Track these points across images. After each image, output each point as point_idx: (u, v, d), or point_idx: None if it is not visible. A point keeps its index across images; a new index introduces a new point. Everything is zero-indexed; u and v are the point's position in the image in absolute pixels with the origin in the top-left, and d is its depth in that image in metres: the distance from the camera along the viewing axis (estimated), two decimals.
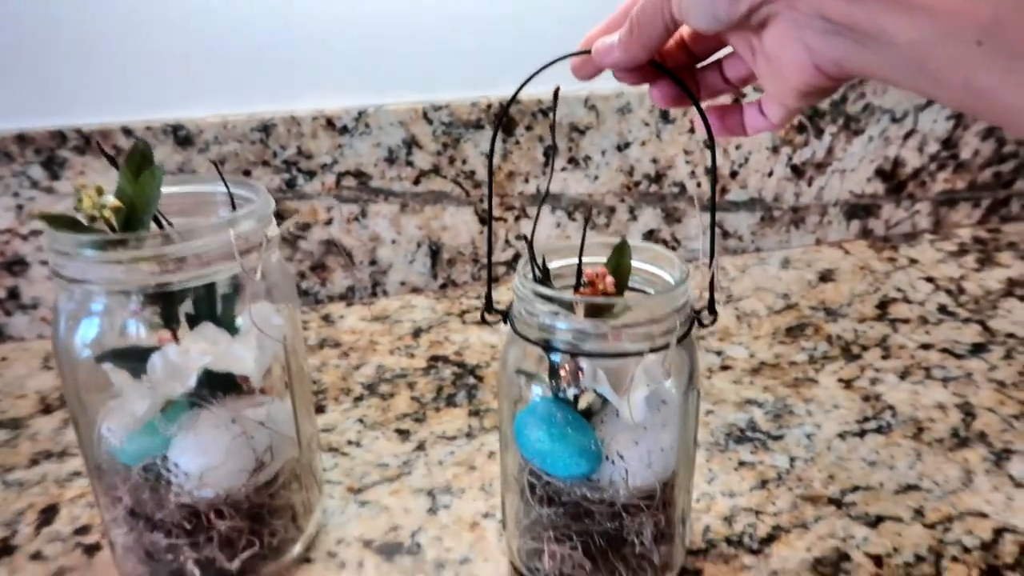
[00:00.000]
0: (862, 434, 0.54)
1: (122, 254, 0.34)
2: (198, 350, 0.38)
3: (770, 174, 0.83)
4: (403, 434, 0.55)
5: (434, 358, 0.65)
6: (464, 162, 0.74)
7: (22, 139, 0.64)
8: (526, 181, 0.76)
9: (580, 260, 0.39)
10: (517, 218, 0.78)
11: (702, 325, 0.38)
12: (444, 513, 0.47)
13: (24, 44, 0.63)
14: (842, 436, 0.54)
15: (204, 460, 0.39)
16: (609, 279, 0.38)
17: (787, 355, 0.64)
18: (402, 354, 0.66)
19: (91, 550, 0.45)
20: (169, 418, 0.39)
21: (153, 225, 0.39)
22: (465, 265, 0.79)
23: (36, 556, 0.45)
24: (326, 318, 0.73)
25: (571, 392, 0.38)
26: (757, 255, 0.85)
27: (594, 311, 0.37)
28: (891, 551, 0.43)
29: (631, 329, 0.35)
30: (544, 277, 0.39)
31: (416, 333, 0.70)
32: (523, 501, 0.41)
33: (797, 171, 0.84)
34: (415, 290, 0.78)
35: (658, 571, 0.40)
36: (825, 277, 0.79)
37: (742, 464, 0.51)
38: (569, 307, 0.37)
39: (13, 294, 0.69)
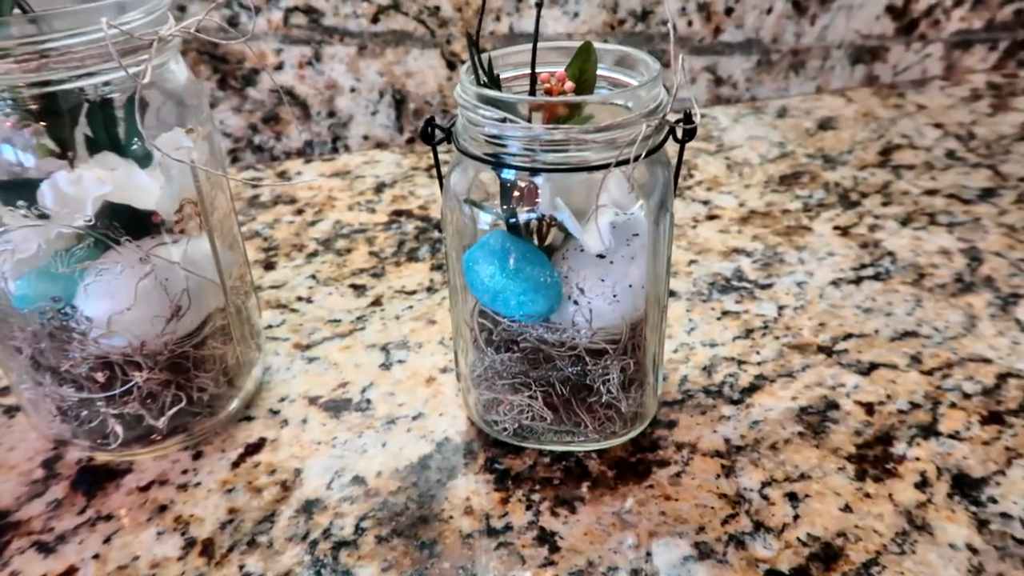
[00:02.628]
0: (858, 281, 0.49)
1: None
2: (93, 178, 0.33)
3: (769, 11, 0.75)
4: (358, 289, 0.51)
5: (396, 212, 0.60)
6: None
7: None
8: (497, 19, 0.69)
9: (534, 54, 0.33)
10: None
11: (678, 140, 0.33)
12: (398, 368, 0.43)
13: None
14: (836, 284, 0.49)
15: (110, 304, 0.34)
16: (569, 84, 0.32)
17: (780, 203, 0.59)
18: (362, 209, 0.61)
19: (11, 411, 0.41)
20: (67, 258, 0.34)
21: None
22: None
23: None
24: (282, 175, 0.67)
25: (525, 218, 0.33)
26: (752, 104, 0.78)
27: (552, 121, 0.31)
28: (884, 398, 0.40)
29: (594, 135, 0.30)
30: (492, 85, 0.33)
31: (379, 188, 0.64)
32: (476, 348, 0.36)
33: (799, 7, 0.76)
34: (379, 145, 0.72)
35: (627, 422, 0.37)
36: (825, 125, 0.73)
37: (725, 314, 0.47)
38: (522, 118, 0.32)
39: None
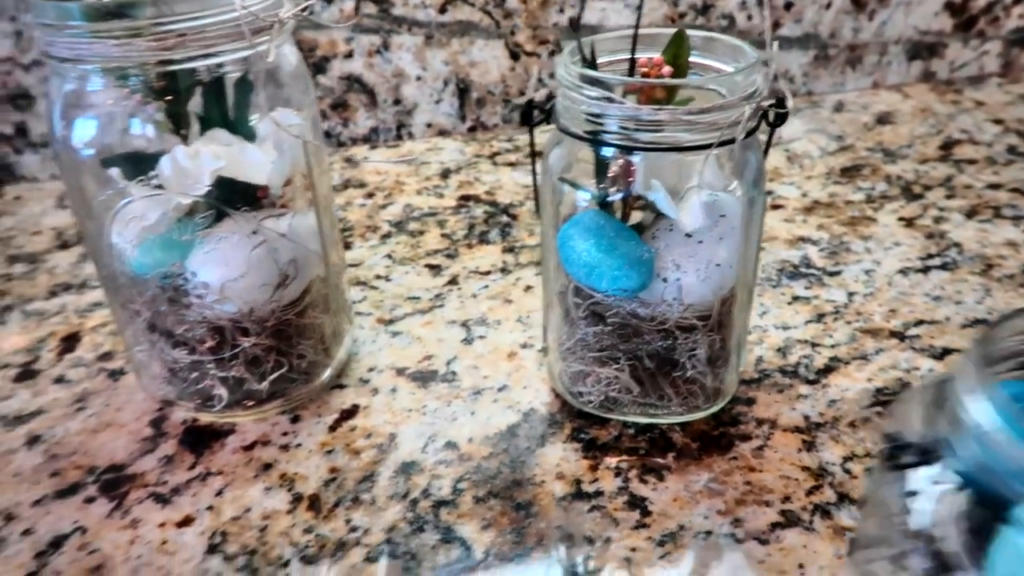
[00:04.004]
0: (925, 270, 0.50)
1: (115, 24, 0.30)
2: (210, 152, 0.35)
3: (828, 6, 0.76)
4: (434, 269, 0.52)
5: (464, 197, 0.62)
6: None
7: None
8: (561, 11, 0.70)
9: (635, 40, 0.34)
10: (552, 53, 0.72)
11: (771, 124, 0.34)
12: (480, 343, 0.45)
13: None
14: (904, 272, 0.50)
15: (224, 271, 0.36)
16: (667, 68, 0.34)
17: (843, 194, 0.60)
18: (430, 194, 0.62)
19: (115, 374, 0.43)
20: (185, 227, 0.36)
21: None
22: (495, 106, 0.73)
23: (60, 380, 0.43)
24: (349, 160, 0.69)
25: (617, 196, 0.35)
26: (808, 99, 0.79)
27: (649, 102, 0.33)
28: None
29: (694, 117, 0.31)
30: (591, 66, 0.34)
31: (444, 174, 0.66)
32: (567, 322, 0.38)
33: (858, 3, 0.76)
34: (442, 132, 0.73)
35: (709, 397, 0.38)
36: (883, 120, 0.73)
37: (796, 299, 0.48)
38: (621, 95, 0.33)
39: (21, 131, 0.65)
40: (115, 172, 0.35)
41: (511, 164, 0.67)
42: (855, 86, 0.81)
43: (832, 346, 0.43)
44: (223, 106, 0.36)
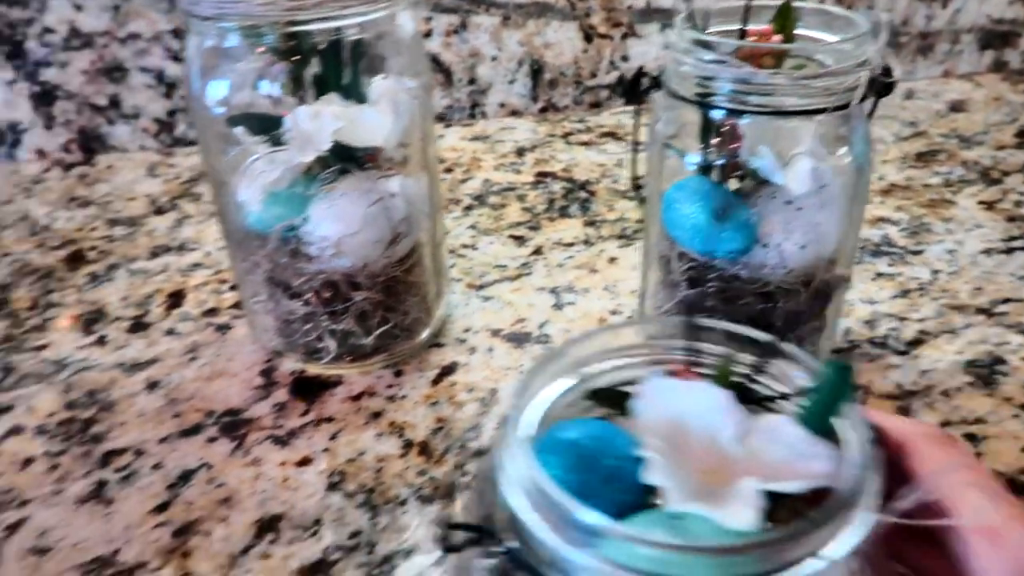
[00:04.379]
0: (1009, 251, 0.50)
1: None
2: (331, 113, 0.37)
3: None
4: (518, 240, 0.54)
5: (541, 174, 0.63)
6: None
7: None
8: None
9: (746, 11, 0.35)
10: (624, 36, 0.73)
11: (877, 94, 0.35)
12: (569, 309, 0.46)
13: None
14: (987, 252, 0.50)
15: (341, 227, 0.38)
16: (776, 36, 0.35)
17: (919, 178, 0.60)
18: (508, 170, 0.64)
19: (222, 329, 0.46)
20: (305, 185, 0.38)
21: None
22: (567, 88, 0.75)
23: (170, 332, 0.45)
24: None
25: (725, 160, 0.36)
26: None
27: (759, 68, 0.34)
28: None
29: (809, 81, 0.32)
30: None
31: (519, 152, 0.67)
32: (666, 286, 0.39)
33: None
34: (514, 112, 0.75)
35: None
36: (956, 107, 0.73)
37: (880, 275, 0.48)
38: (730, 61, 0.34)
39: (114, 102, 0.68)
40: (240, 131, 0.37)
41: (584, 143, 0.68)
42: (926, 74, 0.80)
43: (919, 320, 0.44)
44: (340, 70, 0.38)
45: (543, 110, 0.75)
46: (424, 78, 0.40)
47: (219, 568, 0.31)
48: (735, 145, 0.35)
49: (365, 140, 0.38)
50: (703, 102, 0.34)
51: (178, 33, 0.66)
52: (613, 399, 0.23)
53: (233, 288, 0.49)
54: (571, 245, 0.53)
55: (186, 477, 0.35)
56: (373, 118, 0.38)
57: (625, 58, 0.74)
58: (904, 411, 0.38)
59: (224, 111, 0.37)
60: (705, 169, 0.36)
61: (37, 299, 0.49)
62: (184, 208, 0.60)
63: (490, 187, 0.61)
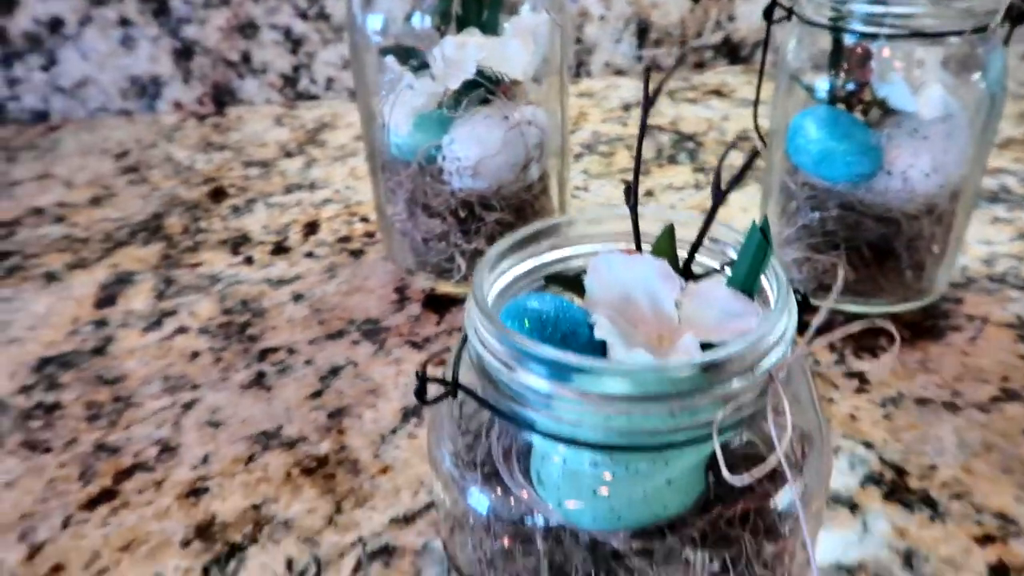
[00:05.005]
0: None
1: None
2: (475, 44, 0.39)
3: None
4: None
5: (648, 126, 0.65)
6: None
7: None
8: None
9: None
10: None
11: (1014, 21, 0.35)
12: None
13: None
14: None
15: (479, 150, 0.40)
16: None
17: None
18: (615, 123, 0.66)
19: (356, 253, 0.49)
20: (449, 110, 0.40)
21: None
22: (672, 47, 0.76)
23: (309, 255, 0.49)
24: None
25: (856, 85, 0.37)
26: None
27: None
28: None
29: (946, 4, 0.33)
30: None
31: (626, 107, 0.69)
32: (786, 214, 0.40)
33: None
34: (618, 72, 0.76)
35: (921, 291, 0.40)
36: None
37: (997, 219, 0.48)
38: None
39: (245, 58, 0.73)
40: (391, 59, 0.40)
41: (690, 100, 0.69)
42: None
43: None
44: (480, 7, 0.41)
45: (647, 70, 0.77)
46: (562, 14, 0.42)
47: (371, 444, 0.34)
48: (866, 71, 0.36)
49: (505, 70, 0.40)
50: (836, 26, 0.35)
51: None
52: (569, 282, 0.26)
53: (363, 220, 0.53)
54: (681, 189, 0.54)
55: (335, 372, 0.39)
56: (514, 49, 0.40)
57: (732, 18, 0.75)
58: (1022, 339, 0.38)
59: (379, 41, 0.40)
60: (833, 97, 0.38)
61: (187, 226, 0.54)
62: (311, 153, 0.64)
63: (599, 138, 0.63)
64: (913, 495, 0.30)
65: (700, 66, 0.77)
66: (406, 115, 0.41)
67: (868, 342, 0.39)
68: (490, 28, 0.41)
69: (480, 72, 0.40)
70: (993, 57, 0.36)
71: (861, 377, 0.36)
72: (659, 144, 0.61)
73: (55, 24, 0.70)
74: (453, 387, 0.25)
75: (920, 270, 0.39)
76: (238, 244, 0.51)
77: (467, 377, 0.24)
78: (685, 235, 0.26)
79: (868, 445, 0.33)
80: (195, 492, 0.33)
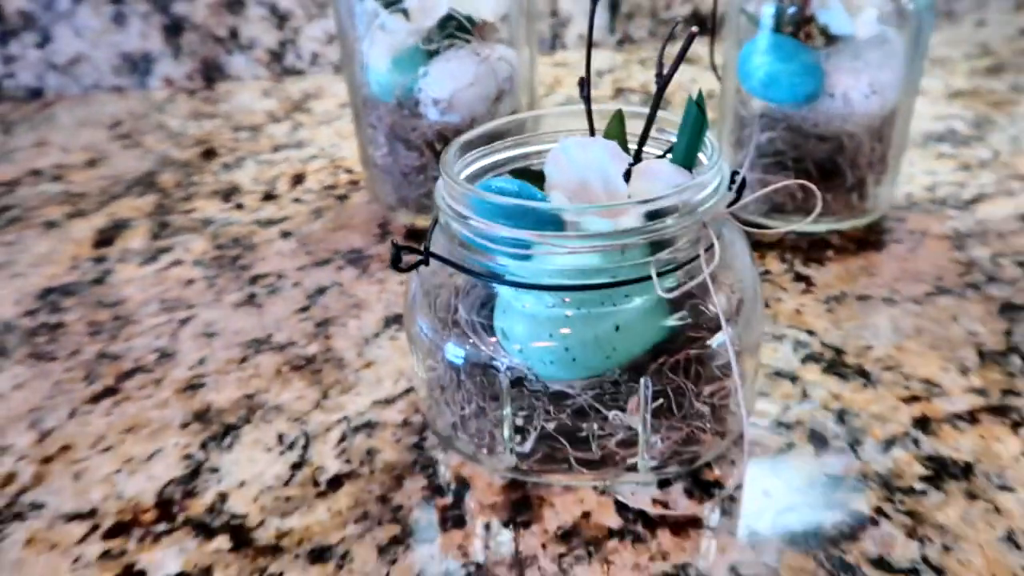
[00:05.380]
0: None
1: None
2: None
3: None
4: None
5: (619, 89, 0.68)
6: None
7: None
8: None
9: None
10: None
11: None
12: None
13: None
14: None
15: (453, 84, 0.43)
16: None
17: (986, 86, 0.63)
18: None
19: (342, 198, 0.52)
20: (424, 48, 0.43)
21: None
22: (644, 20, 0.79)
23: (296, 200, 0.52)
24: None
25: (796, 9, 0.40)
26: (948, 20, 0.81)
27: None
28: None
29: None
30: None
31: (599, 74, 0.72)
32: (740, 141, 0.44)
33: None
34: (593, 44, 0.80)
35: (865, 210, 0.43)
36: None
37: (942, 155, 0.52)
38: None
39: (233, 34, 0.76)
40: (372, 2, 0.43)
41: None
42: (997, 7, 0.82)
43: (979, 186, 0.47)
44: None
45: (620, 42, 0.80)
46: None
47: (355, 345, 0.37)
48: None
49: (476, 11, 0.43)
50: None
51: None
52: (532, 176, 0.29)
53: (348, 171, 0.56)
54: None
55: (322, 291, 0.42)
56: None
57: (712, 27, 0.78)
58: (960, 247, 0.41)
59: None
60: (778, 25, 0.41)
61: (180, 181, 0.56)
62: (298, 119, 0.67)
63: (573, 100, 0.66)
64: (849, 368, 0.33)
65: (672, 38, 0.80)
66: (384, 54, 0.43)
67: (815, 253, 0.42)
68: None
69: (451, 15, 0.43)
70: None
71: (808, 280, 0.39)
72: (629, 103, 0.65)
73: (49, 2, 0.73)
74: (426, 255, 0.28)
75: (863, 187, 0.42)
76: (229, 194, 0.54)
77: (437, 249, 0.27)
78: (637, 129, 0.29)
79: (811, 332, 0.36)
80: (192, 387, 0.35)
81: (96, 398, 0.35)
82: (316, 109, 0.68)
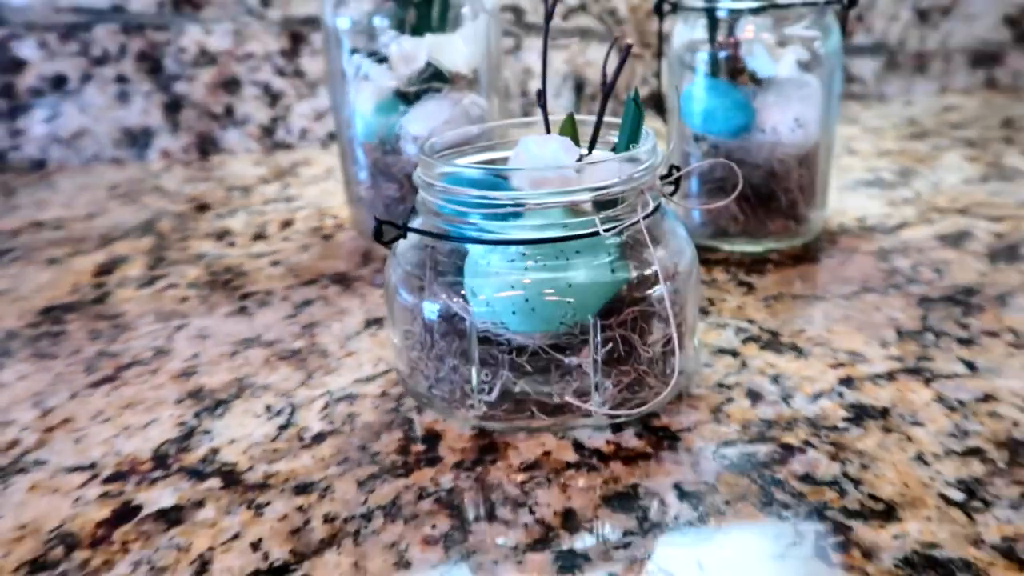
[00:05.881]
0: (985, 179, 0.59)
1: None
2: (425, 41, 0.49)
3: (895, 18, 0.87)
4: None
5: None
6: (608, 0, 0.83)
7: None
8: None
9: None
10: (657, 55, 0.86)
11: (845, 5, 0.45)
12: None
13: None
14: (966, 182, 0.59)
15: (430, 123, 0.49)
16: None
17: (912, 148, 0.70)
18: None
19: (327, 237, 0.56)
20: (403, 95, 0.49)
21: None
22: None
23: (285, 239, 0.56)
24: None
25: (728, 54, 0.46)
26: (879, 101, 0.89)
27: None
28: (1012, 231, 0.49)
29: None
30: None
31: None
32: (684, 166, 0.49)
33: (923, 16, 0.88)
34: None
35: (800, 233, 0.48)
36: (949, 108, 0.83)
37: (872, 196, 0.57)
38: None
39: (228, 111, 0.82)
40: (359, 54, 0.49)
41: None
42: (924, 90, 0.91)
43: (902, 216, 0.53)
44: (430, 13, 0.50)
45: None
46: (494, 20, 0.52)
47: (338, 340, 0.40)
48: (734, 41, 0.46)
49: (451, 63, 0.49)
50: (711, 7, 0.45)
51: (284, 53, 0.81)
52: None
53: (334, 217, 0.60)
54: None
55: (308, 303, 0.45)
56: (457, 46, 0.49)
57: (657, 75, 0.86)
58: (884, 258, 0.46)
59: (347, 39, 0.49)
60: (713, 69, 0.47)
61: (175, 227, 0.60)
62: (288, 181, 0.72)
63: None
64: (784, 345, 0.37)
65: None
66: (368, 99, 0.49)
67: (757, 267, 0.46)
68: (439, 29, 0.50)
69: (429, 64, 0.49)
70: (830, 31, 0.45)
71: (749, 286, 0.44)
72: None
73: (59, 81, 0.79)
74: (404, 229, 0.32)
75: (795, 209, 0.47)
76: (221, 235, 0.58)
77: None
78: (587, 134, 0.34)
79: (751, 321, 0.40)
80: (186, 374, 0.38)
81: (95, 384, 0.38)
82: (304, 174, 0.74)
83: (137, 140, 0.82)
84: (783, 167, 0.47)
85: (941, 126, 0.76)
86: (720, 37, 0.46)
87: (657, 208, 0.32)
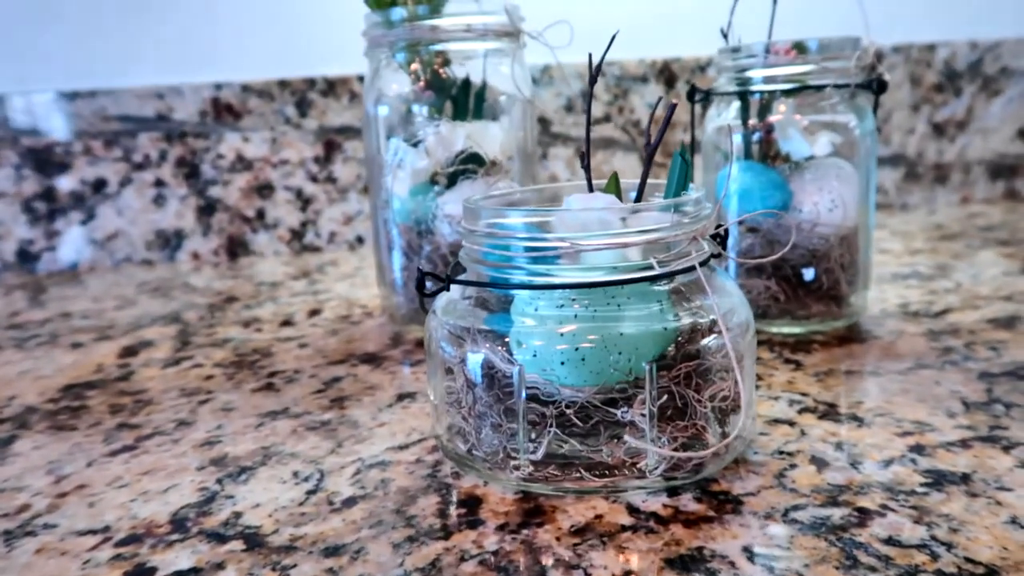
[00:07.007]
0: (1023, 272, 0.58)
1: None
2: (461, 127, 0.50)
3: (912, 131, 0.90)
4: None
5: None
6: (632, 111, 0.86)
7: (282, 84, 0.81)
8: (684, 130, 0.87)
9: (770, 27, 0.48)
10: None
11: (874, 91, 0.46)
12: None
13: (282, 9, 0.81)
14: (1007, 274, 0.58)
15: (453, 210, 0.49)
16: (792, 52, 0.47)
17: (943, 248, 0.69)
18: None
19: (355, 323, 0.55)
20: (439, 180, 0.50)
21: None
22: None
23: (313, 325, 0.55)
24: None
25: (761, 136, 0.47)
26: (902, 210, 0.90)
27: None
28: None
29: (823, 63, 0.44)
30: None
31: None
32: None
33: (939, 129, 0.90)
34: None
35: (843, 314, 0.46)
36: (974, 215, 0.83)
37: (909, 287, 0.56)
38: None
39: (260, 214, 0.84)
40: (396, 140, 0.50)
41: None
42: (945, 200, 0.92)
43: (946, 303, 0.51)
44: (467, 100, 0.52)
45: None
46: (527, 120, 0.53)
47: (369, 413, 0.39)
48: (768, 123, 0.46)
49: (486, 149, 0.50)
50: (743, 90, 0.46)
51: (318, 159, 0.83)
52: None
53: (362, 307, 0.60)
54: None
55: (337, 379, 0.44)
56: (492, 130, 0.51)
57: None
58: (934, 339, 0.44)
59: (385, 126, 0.50)
60: (747, 152, 0.47)
61: (203, 316, 0.60)
62: (315, 277, 0.72)
63: None
64: (842, 416, 0.35)
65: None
66: (404, 183, 0.50)
67: (802, 347, 0.44)
68: (475, 117, 0.52)
69: (465, 148, 0.49)
70: (865, 113, 0.46)
71: (797, 363, 0.42)
72: None
73: (99, 184, 0.81)
74: (448, 281, 0.32)
75: (837, 289, 0.46)
76: (249, 323, 0.57)
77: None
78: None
79: (804, 394, 0.38)
80: (209, 443, 0.36)
81: (114, 453, 0.36)
82: (332, 272, 0.74)
83: (169, 242, 0.83)
84: (824, 246, 0.46)
85: (970, 229, 0.76)
86: (752, 120, 0.47)
87: (710, 258, 0.31)
